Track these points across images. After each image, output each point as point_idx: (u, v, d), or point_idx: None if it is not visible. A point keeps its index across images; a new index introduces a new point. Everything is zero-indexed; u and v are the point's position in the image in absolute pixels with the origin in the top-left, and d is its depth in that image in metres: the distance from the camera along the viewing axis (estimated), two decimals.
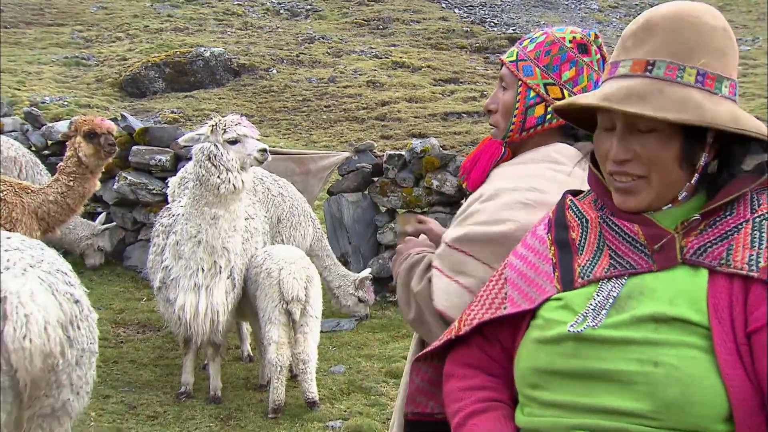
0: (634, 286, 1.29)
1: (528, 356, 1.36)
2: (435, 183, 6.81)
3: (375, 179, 7.25)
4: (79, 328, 2.76)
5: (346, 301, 6.03)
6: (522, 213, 1.70)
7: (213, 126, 4.46)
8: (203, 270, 4.53)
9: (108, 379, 5.05)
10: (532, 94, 1.85)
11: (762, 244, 1.23)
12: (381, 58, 14.70)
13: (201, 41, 14.71)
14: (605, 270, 1.33)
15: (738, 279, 1.23)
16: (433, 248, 1.92)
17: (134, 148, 7.53)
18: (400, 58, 14.63)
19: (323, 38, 15.88)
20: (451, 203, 6.83)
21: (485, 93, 12.09)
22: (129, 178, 7.43)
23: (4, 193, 5.09)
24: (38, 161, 6.97)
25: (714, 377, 1.17)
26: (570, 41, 1.87)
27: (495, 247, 1.68)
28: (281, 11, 17.91)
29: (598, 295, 1.31)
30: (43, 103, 10.01)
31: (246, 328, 5.65)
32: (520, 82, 1.86)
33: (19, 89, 11.15)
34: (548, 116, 1.85)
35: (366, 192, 7.30)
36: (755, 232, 1.25)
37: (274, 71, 13.88)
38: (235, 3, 18.02)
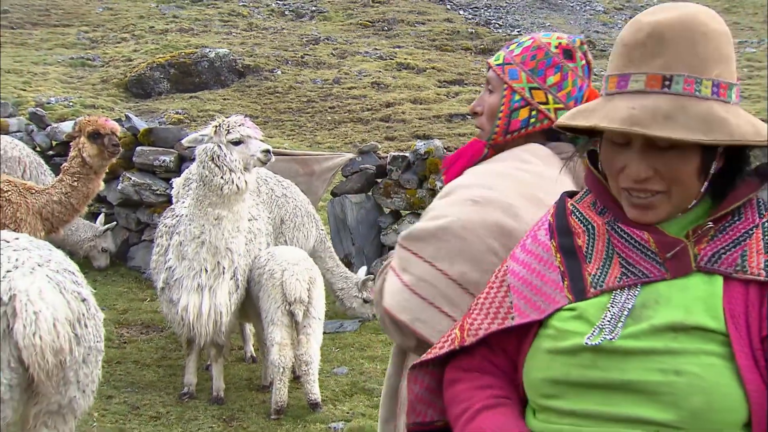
0: (648, 295, 1.28)
1: (540, 366, 1.34)
2: (439, 184, 6.80)
3: (379, 181, 7.24)
4: (86, 326, 2.82)
5: (350, 303, 6.03)
6: (465, 209, 1.71)
7: (216, 127, 4.47)
8: (206, 271, 4.53)
9: (111, 380, 5.05)
10: (517, 97, 1.88)
11: None
12: (386, 59, 14.70)
13: (206, 42, 14.73)
14: (618, 279, 1.32)
15: (754, 285, 1.23)
16: None
17: (138, 148, 7.54)
18: (405, 59, 14.63)
19: (328, 39, 15.88)
20: None
21: None
22: (133, 178, 7.44)
23: (9, 193, 5.10)
24: (42, 162, 6.98)
25: (734, 384, 1.18)
26: (556, 47, 1.90)
27: (435, 242, 1.69)
28: (286, 12, 17.93)
29: (613, 306, 1.30)
30: (49, 103, 10.04)
31: (249, 329, 5.65)
32: (505, 86, 1.89)
33: (24, 90, 11.18)
34: (532, 120, 1.88)
35: (370, 193, 7.29)
36: (767, 237, 1.26)
37: (279, 72, 13.89)
38: (241, 4, 18.05)
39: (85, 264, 7.10)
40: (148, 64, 13.21)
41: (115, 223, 7.46)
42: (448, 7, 18.54)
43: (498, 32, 16.56)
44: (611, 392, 1.25)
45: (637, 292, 1.29)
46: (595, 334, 1.27)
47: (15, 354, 2.61)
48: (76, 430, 2.97)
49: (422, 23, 17.20)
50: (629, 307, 1.28)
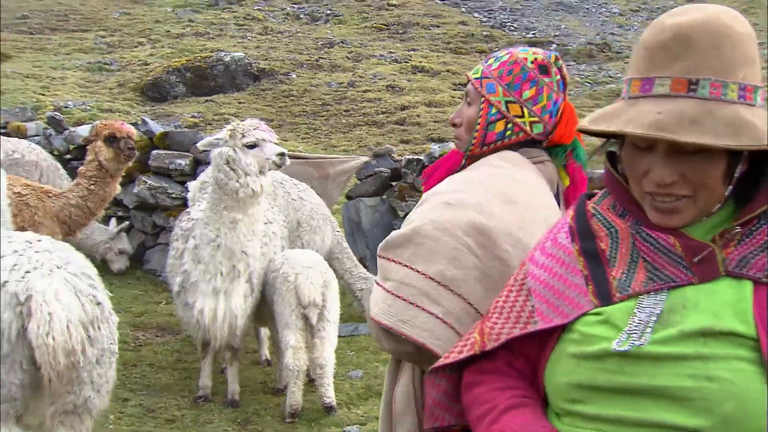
0: (676, 300, 1.27)
1: (565, 371, 1.33)
2: None
3: (393, 184, 7.24)
4: (99, 328, 2.88)
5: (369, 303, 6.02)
6: (438, 212, 1.76)
7: (231, 130, 4.48)
8: (222, 274, 4.54)
9: (127, 382, 5.08)
10: (494, 110, 1.94)
11: None
12: (400, 62, 14.70)
13: (221, 46, 14.80)
14: (644, 284, 1.30)
15: None
16: None
17: (154, 152, 7.58)
18: (420, 62, 14.62)
19: (343, 43, 15.90)
20: None
21: None
22: (149, 182, 7.48)
23: (27, 196, 5.14)
24: (59, 165, 7.03)
25: (765, 389, 1.17)
26: (532, 62, 1.95)
27: (411, 246, 1.73)
28: (301, 16, 17.98)
29: (641, 311, 1.28)
30: (66, 107, 10.12)
31: (264, 332, 5.66)
32: (483, 99, 1.95)
33: (43, 94, 11.29)
34: (508, 132, 1.94)
35: (384, 196, 7.29)
36: None
37: (294, 75, 13.92)
38: (256, 8, 18.12)
39: (102, 267, 7.15)
40: (164, 68, 13.29)
41: (127, 223, 7.48)
42: (463, 9, 18.52)
43: (513, 35, 16.52)
44: (640, 398, 1.24)
45: (664, 296, 1.28)
46: (623, 339, 1.26)
47: (28, 354, 2.65)
48: None
49: (437, 26, 17.18)
50: (657, 312, 1.27)
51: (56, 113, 9.04)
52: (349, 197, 7.44)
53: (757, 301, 1.22)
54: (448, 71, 14.18)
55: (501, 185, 1.83)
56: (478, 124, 1.94)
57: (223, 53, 13.87)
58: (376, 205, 7.23)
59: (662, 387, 1.22)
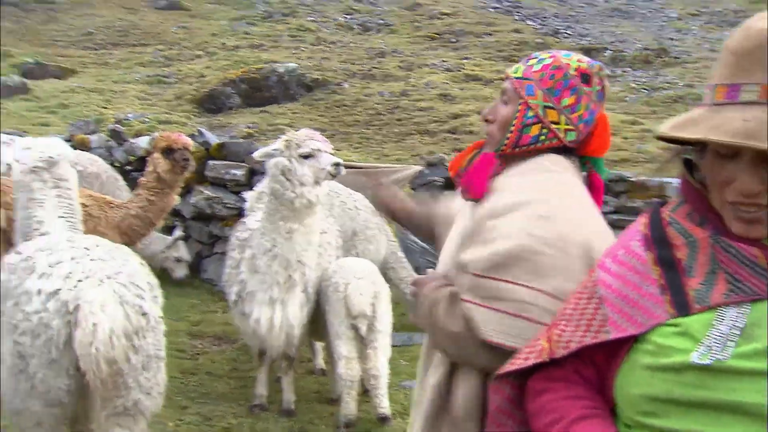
0: (758, 314, 1.23)
1: (638, 383, 1.30)
2: None
3: (447, 193, 7.21)
4: (145, 337, 2.99)
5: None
6: (535, 225, 1.75)
7: (287, 141, 4.52)
8: (279, 284, 4.57)
9: (185, 390, 5.16)
10: (531, 113, 1.91)
11: None
12: (453, 71, 14.66)
13: (275, 57, 15.00)
14: (725, 295, 1.26)
15: None
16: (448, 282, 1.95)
17: (210, 163, 7.72)
18: (473, 70, 14.56)
19: (395, 52, 15.95)
20: None
21: None
22: (205, 192, 7.61)
23: (90, 207, 5.27)
24: (119, 177, 7.21)
25: None
26: (575, 69, 1.92)
27: (521, 263, 1.72)
28: (353, 26, 18.11)
29: (721, 323, 1.24)
30: (127, 120, 10.40)
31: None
32: (521, 100, 1.92)
33: (105, 107, 11.62)
34: (542, 137, 1.92)
35: None
36: None
37: (347, 85, 14.02)
38: (309, 19, 18.32)
39: (162, 276, 7.27)
40: (219, 80, 13.53)
41: (182, 233, 7.60)
42: (516, 17, 18.39)
43: (567, 42, 16.33)
44: (719, 413, 1.20)
45: (746, 309, 1.23)
46: (703, 352, 1.22)
47: (74, 361, 2.81)
48: None
49: (490, 34, 17.10)
50: (739, 325, 1.22)
51: (117, 126, 9.29)
52: None
53: None
54: (500, 79, 14.06)
55: (574, 194, 1.85)
56: (513, 125, 1.92)
57: (277, 64, 14.05)
58: None
59: (743, 403, 1.17)
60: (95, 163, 7.07)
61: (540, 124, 1.91)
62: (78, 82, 13.40)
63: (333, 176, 4.54)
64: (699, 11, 18.72)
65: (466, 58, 15.51)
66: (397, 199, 2.59)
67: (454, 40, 16.93)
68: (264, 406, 4.97)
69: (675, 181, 6.34)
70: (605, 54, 14.22)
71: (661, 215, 1.43)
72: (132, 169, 8.24)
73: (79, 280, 2.89)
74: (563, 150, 1.95)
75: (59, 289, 2.86)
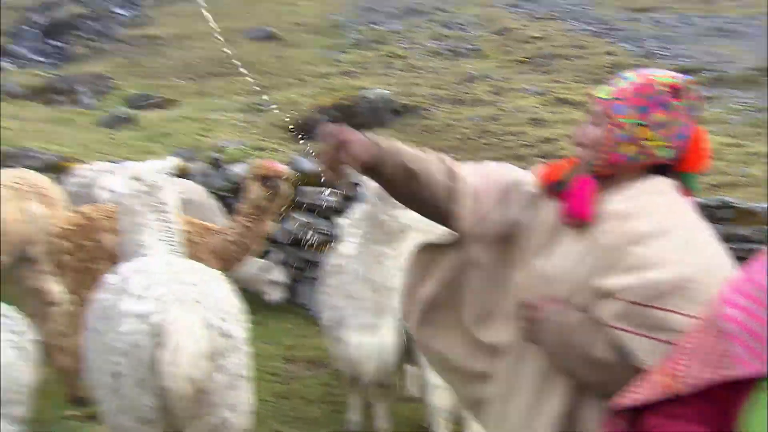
0: None
1: (764, 422, 1.25)
2: None
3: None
4: (229, 358, 3.14)
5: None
6: (691, 254, 1.75)
7: None
8: (372, 309, 4.59)
9: (278, 414, 5.24)
10: (622, 132, 1.89)
11: None
12: (543, 94, 14.48)
13: (366, 84, 15.22)
14: None
15: None
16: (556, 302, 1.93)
17: (304, 189, 7.87)
18: (563, 94, 14.34)
19: (484, 77, 15.91)
20: None
21: None
22: (299, 218, 7.76)
23: (191, 234, 5.47)
24: (216, 203, 7.46)
25: None
26: (664, 84, 1.89)
27: (683, 292, 1.70)
28: (443, 51, 18.19)
29: None
30: (224, 147, 10.74)
31: (411, 368, 5.66)
32: (611, 120, 1.91)
33: (204, 136, 12.08)
34: (635, 155, 1.90)
35: None
36: None
37: (436, 110, 14.06)
38: (399, 45, 18.53)
39: (257, 301, 7.44)
40: (312, 107, 13.84)
41: (275, 257, 7.74)
42: (609, 40, 18.03)
43: (662, 63, 15.87)
44: None
45: None
46: None
47: (161, 381, 2.94)
48: None
49: (581, 57, 16.81)
50: None
51: (215, 153, 9.63)
52: None
53: None
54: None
55: (700, 220, 1.87)
56: (605, 145, 1.91)
57: (368, 90, 14.26)
58: None
59: None
60: (195, 190, 7.34)
61: (632, 142, 1.89)
62: (179, 112, 13.99)
63: None
64: None
65: (556, 82, 15.30)
66: (371, 144, 2.20)
67: (544, 63, 16.75)
68: None
69: None
70: (703, 74, 13.71)
71: None
72: (229, 196, 8.51)
73: (168, 303, 3.04)
74: (659, 167, 1.93)
75: (149, 311, 3.03)
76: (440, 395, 4.51)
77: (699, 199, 2.14)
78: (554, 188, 2.04)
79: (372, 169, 2.14)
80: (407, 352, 5.00)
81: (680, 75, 1.97)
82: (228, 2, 20.52)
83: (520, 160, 12.30)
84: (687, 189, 1.96)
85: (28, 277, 5.65)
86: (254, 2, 21.58)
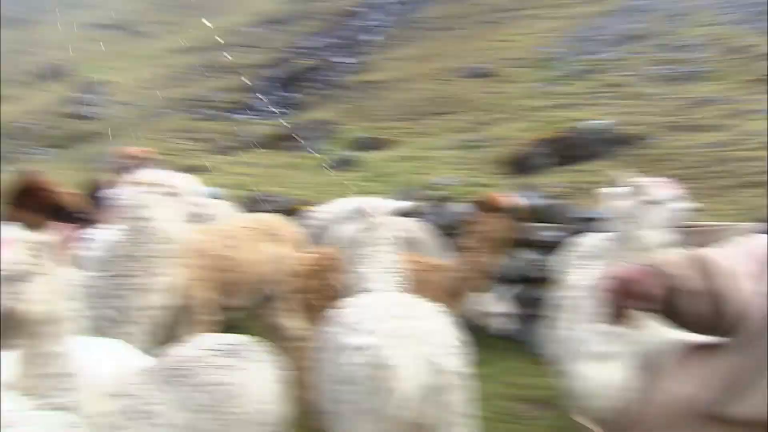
0: None
1: None
2: None
3: None
4: (450, 395, 3.19)
5: None
6: None
7: (636, 187, 4.46)
8: (608, 346, 4.41)
9: None
10: None
11: None
12: None
13: (584, 115, 14.88)
14: None
15: None
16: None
17: (526, 224, 7.81)
18: None
19: (712, 100, 14.90)
20: None
21: None
22: (521, 254, 7.71)
23: (418, 271, 5.64)
24: (439, 240, 7.61)
25: None
26: None
27: None
28: (665, 76, 17.31)
29: None
30: (443, 184, 11.02)
31: None
32: None
33: (423, 173, 12.48)
34: None
35: None
36: None
37: (661, 139, 13.38)
38: (615, 73, 17.93)
39: (481, 337, 7.41)
40: (528, 141, 13.77)
41: (502, 291, 7.69)
42: None
43: None
44: None
45: None
46: None
47: (378, 412, 3.08)
48: None
49: None
50: None
51: (431, 191, 9.88)
52: None
53: None
54: None
55: None
56: None
57: (586, 122, 13.91)
58: None
59: None
60: (418, 227, 7.57)
61: None
62: (399, 152, 14.58)
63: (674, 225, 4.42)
64: None
65: None
66: None
67: None
68: None
69: None
70: None
71: None
72: (449, 233, 8.66)
73: (388, 337, 3.14)
74: None
75: (367, 345, 3.14)
76: None
77: None
78: None
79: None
80: None
81: None
82: (442, 44, 21.20)
83: (756, 187, 11.28)
84: None
85: (268, 315, 6.00)
86: (468, 42, 22.06)
